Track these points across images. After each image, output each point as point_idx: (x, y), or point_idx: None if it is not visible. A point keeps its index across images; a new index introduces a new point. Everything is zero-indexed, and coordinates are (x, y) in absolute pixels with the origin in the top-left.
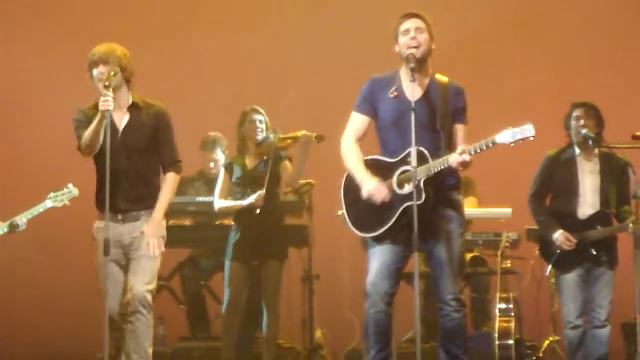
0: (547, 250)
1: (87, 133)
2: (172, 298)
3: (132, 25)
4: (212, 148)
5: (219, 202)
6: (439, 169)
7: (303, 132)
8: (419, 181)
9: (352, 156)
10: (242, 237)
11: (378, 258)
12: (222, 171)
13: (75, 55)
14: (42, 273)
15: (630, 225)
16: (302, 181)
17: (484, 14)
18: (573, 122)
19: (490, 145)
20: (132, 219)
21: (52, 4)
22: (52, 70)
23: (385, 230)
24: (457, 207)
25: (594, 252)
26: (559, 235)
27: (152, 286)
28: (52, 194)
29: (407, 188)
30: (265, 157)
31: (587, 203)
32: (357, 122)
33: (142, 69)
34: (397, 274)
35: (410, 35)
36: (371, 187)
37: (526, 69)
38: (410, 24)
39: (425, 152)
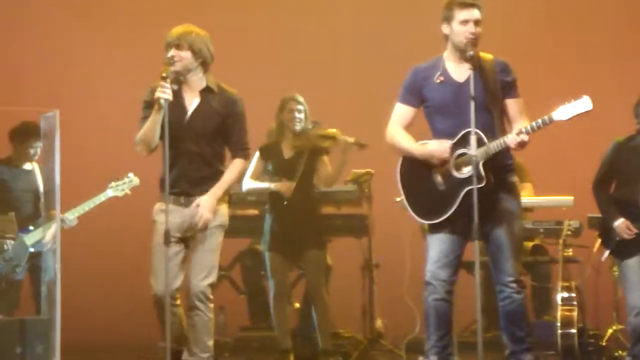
0: (607, 236)
1: (142, 130)
2: (233, 288)
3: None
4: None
5: (248, 182)
6: (497, 150)
7: (344, 137)
8: (479, 164)
9: (402, 137)
10: (278, 227)
11: (437, 246)
12: (257, 154)
13: (136, 38)
14: (104, 261)
15: None
16: (360, 170)
17: None
18: None
19: (548, 122)
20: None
21: None
22: (113, 54)
23: (448, 216)
24: (514, 188)
25: None
26: (619, 223)
27: (211, 280)
28: (113, 183)
29: (466, 171)
30: (303, 151)
31: None
32: (401, 112)
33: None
34: (457, 262)
35: (470, 30)
36: (434, 147)
37: (582, 55)
38: (470, 15)
39: (481, 133)
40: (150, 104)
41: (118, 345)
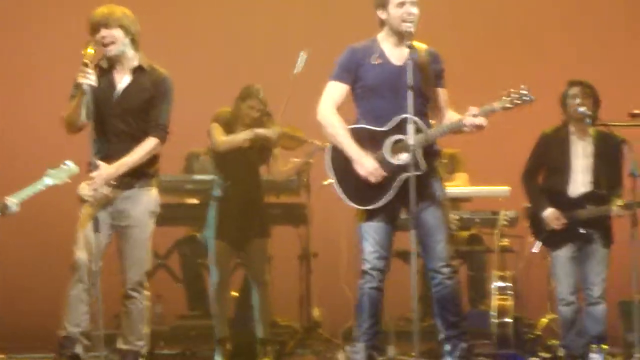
0: (537, 227)
1: (68, 111)
2: (170, 276)
3: None
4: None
5: (222, 138)
6: (437, 137)
7: (313, 140)
8: (416, 152)
9: (339, 128)
10: (224, 214)
11: (372, 236)
12: (214, 124)
13: (71, 20)
14: (38, 248)
15: (614, 208)
16: (299, 160)
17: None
18: (569, 101)
19: (490, 110)
20: (125, 186)
21: None
22: (47, 36)
23: (382, 203)
24: (438, 173)
25: (583, 231)
26: (549, 213)
27: (146, 268)
28: (51, 171)
29: (403, 158)
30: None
31: (579, 182)
32: (337, 91)
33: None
34: (390, 250)
35: (408, 10)
36: (370, 166)
37: (523, 44)
38: None
39: (420, 121)
40: (78, 84)
41: (51, 330)
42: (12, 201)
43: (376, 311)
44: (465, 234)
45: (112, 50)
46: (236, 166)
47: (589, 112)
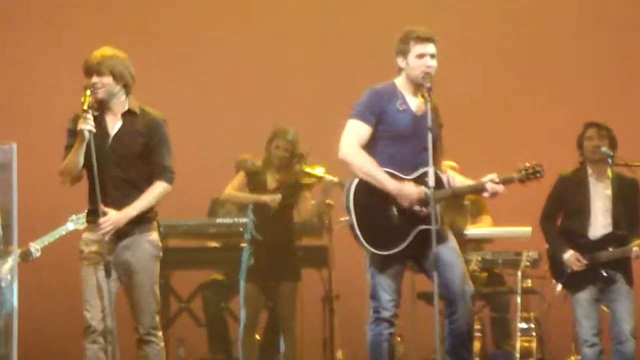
0: (557, 270)
1: (65, 160)
2: (193, 320)
3: (138, 28)
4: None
5: (230, 191)
6: (464, 194)
7: (329, 176)
8: (440, 205)
9: (372, 164)
10: (255, 258)
11: (388, 284)
12: (241, 173)
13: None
14: (60, 295)
15: (635, 248)
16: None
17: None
18: (586, 142)
19: (508, 180)
20: (125, 234)
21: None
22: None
23: (398, 251)
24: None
25: (605, 274)
26: (569, 256)
27: (156, 311)
28: (73, 217)
29: (424, 209)
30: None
31: (599, 224)
32: (362, 131)
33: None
34: (400, 293)
35: (427, 63)
36: (415, 194)
37: (537, 88)
38: (427, 49)
39: (442, 176)
40: (73, 132)
41: None
42: (35, 247)
43: (392, 354)
44: (484, 274)
45: (99, 94)
46: (267, 208)
47: (611, 152)
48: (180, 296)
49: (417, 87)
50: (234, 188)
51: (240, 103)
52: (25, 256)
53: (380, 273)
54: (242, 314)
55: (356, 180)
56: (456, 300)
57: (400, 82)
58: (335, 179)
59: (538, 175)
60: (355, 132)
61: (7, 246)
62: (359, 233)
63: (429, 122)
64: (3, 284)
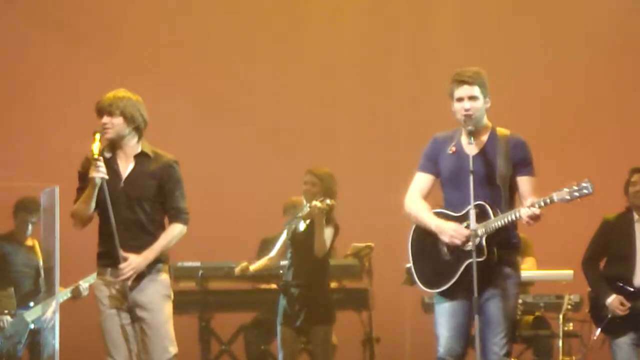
0: (597, 314)
1: (77, 204)
2: None
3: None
4: (292, 213)
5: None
6: (498, 225)
7: (313, 202)
8: (481, 238)
9: (421, 207)
10: (288, 300)
11: (448, 321)
12: (286, 228)
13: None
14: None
15: None
16: (361, 244)
17: None
18: (631, 188)
19: (548, 202)
20: (137, 277)
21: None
22: None
23: (449, 288)
24: (515, 266)
25: None
26: (612, 300)
27: (174, 352)
28: None
29: (470, 245)
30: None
31: None
32: (421, 180)
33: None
34: (468, 335)
35: (464, 106)
36: (451, 229)
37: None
38: (462, 92)
39: (487, 207)
40: (84, 175)
41: None
42: (84, 286)
43: None
44: (530, 318)
45: (109, 134)
46: (300, 251)
47: None
48: (221, 338)
49: (466, 129)
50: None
51: (288, 143)
52: (77, 293)
53: (438, 308)
54: (280, 358)
55: (413, 227)
56: (487, 358)
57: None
58: (318, 203)
59: (585, 192)
60: (415, 184)
61: (49, 288)
62: (413, 272)
63: (470, 166)
64: (45, 326)
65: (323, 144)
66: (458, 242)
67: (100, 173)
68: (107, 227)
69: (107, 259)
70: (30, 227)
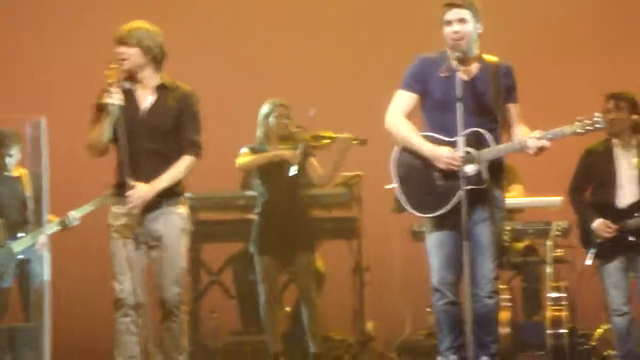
0: (587, 240)
1: (91, 134)
2: (223, 292)
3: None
4: None
5: (242, 159)
6: (507, 152)
7: (343, 134)
8: (481, 166)
9: (408, 128)
10: (268, 229)
11: (439, 252)
12: (244, 149)
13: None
14: (93, 265)
15: None
16: (349, 173)
17: None
18: (606, 115)
19: (560, 134)
20: (154, 207)
21: None
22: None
23: (444, 213)
24: (501, 189)
25: (633, 239)
26: (598, 224)
27: (183, 286)
28: (106, 192)
29: (469, 169)
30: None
31: (626, 193)
32: (405, 99)
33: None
34: (459, 264)
35: (453, 29)
36: (446, 154)
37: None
38: (453, 15)
39: (486, 135)
40: (100, 106)
41: (108, 351)
42: (74, 215)
43: (456, 324)
44: (519, 245)
45: (125, 65)
46: (276, 181)
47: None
48: (210, 269)
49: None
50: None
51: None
52: (65, 224)
53: (430, 238)
54: (261, 289)
55: (397, 148)
56: (475, 284)
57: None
58: (350, 136)
59: (598, 126)
60: (398, 102)
61: (37, 219)
62: (403, 197)
63: (458, 93)
64: (34, 257)
65: (312, 78)
66: (455, 168)
67: (113, 100)
68: (123, 158)
69: (120, 188)
70: (7, 159)
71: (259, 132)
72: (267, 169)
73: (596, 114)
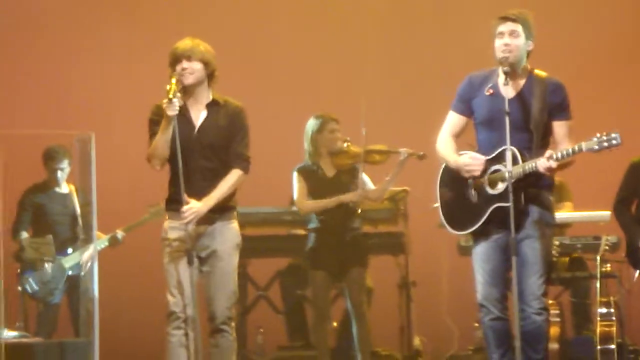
0: (634, 256)
1: (153, 143)
2: (270, 307)
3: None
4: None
5: (304, 204)
6: (530, 170)
7: (403, 149)
8: (508, 183)
9: (447, 146)
10: (321, 245)
11: (482, 267)
12: (295, 174)
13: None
14: (141, 281)
15: None
16: (397, 188)
17: None
18: None
19: (577, 151)
20: (207, 222)
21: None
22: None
23: (478, 230)
24: (547, 206)
25: None
26: None
27: (233, 302)
28: (151, 209)
29: (498, 188)
30: (352, 165)
31: None
32: (452, 120)
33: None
34: (505, 277)
35: (504, 41)
36: (463, 161)
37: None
38: (505, 27)
39: (517, 152)
40: (155, 122)
41: None
42: (121, 233)
43: (504, 340)
44: (566, 259)
45: (189, 79)
46: (330, 196)
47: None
48: (257, 284)
49: (503, 68)
50: (303, 195)
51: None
52: (114, 241)
53: (473, 254)
54: (312, 304)
55: (443, 166)
56: (524, 302)
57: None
58: (410, 150)
59: (614, 142)
60: (447, 123)
61: (86, 235)
62: (441, 214)
63: (506, 106)
64: (83, 272)
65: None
66: (476, 172)
67: (175, 111)
68: (176, 173)
69: (174, 204)
70: (59, 174)
71: (307, 147)
72: (327, 188)
73: (614, 131)
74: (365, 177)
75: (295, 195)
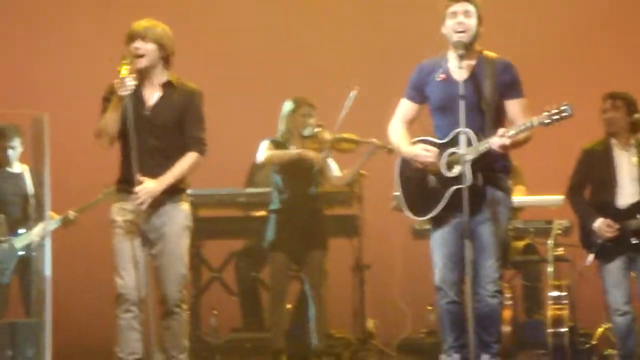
0: (588, 240)
1: (102, 120)
2: (225, 289)
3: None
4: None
5: (267, 152)
6: (484, 150)
7: (372, 140)
8: (467, 164)
9: (399, 135)
10: (282, 227)
11: (440, 250)
12: (266, 142)
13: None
14: (94, 262)
15: None
16: (357, 162)
17: None
18: (603, 115)
19: (529, 126)
20: (157, 203)
21: None
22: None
23: (438, 215)
24: (505, 189)
25: (636, 241)
26: (599, 223)
27: (184, 284)
28: (105, 190)
29: (455, 170)
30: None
31: (626, 192)
32: (403, 107)
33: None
34: (462, 262)
35: (458, 20)
36: (415, 151)
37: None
38: (458, 7)
39: (471, 133)
40: (110, 100)
41: (109, 347)
42: (73, 214)
43: (458, 324)
44: (520, 244)
45: (142, 62)
46: (293, 178)
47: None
48: (211, 266)
49: (457, 50)
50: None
51: (278, 73)
52: (67, 221)
53: (432, 237)
54: (269, 286)
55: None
56: (479, 285)
57: (450, 49)
58: (379, 142)
59: (565, 114)
60: (399, 110)
61: (39, 215)
62: (402, 200)
63: (460, 90)
64: (34, 253)
65: (315, 78)
66: (427, 162)
67: (128, 90)
68: (127, 153)
69: (126, 184)
70: (10, 152)
71: (281, 127)
72: (289, 166)
73: (564, 103)
74: (332, 164)
75: (260, 150)
